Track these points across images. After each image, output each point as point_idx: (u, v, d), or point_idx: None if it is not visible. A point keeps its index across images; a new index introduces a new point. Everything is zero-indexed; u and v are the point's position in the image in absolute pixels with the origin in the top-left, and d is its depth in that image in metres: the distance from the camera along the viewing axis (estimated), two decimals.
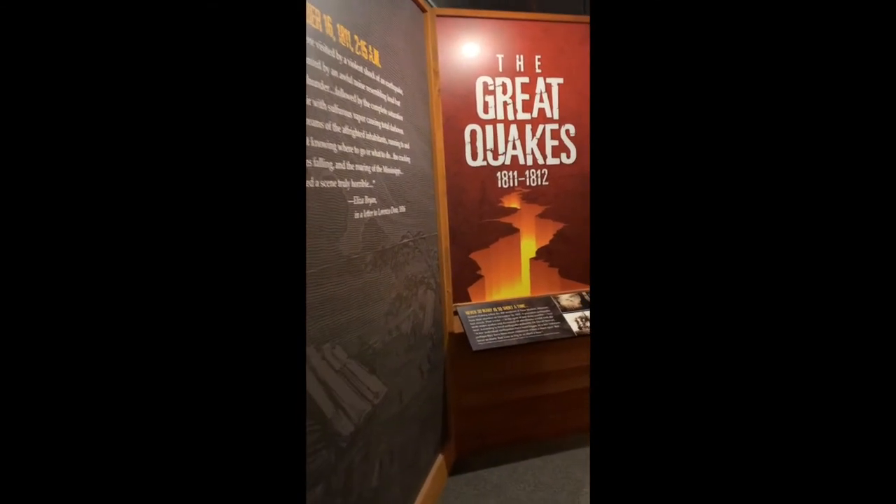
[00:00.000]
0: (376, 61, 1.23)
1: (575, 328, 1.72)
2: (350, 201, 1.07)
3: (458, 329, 1.74)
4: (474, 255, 1.82)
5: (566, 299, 1.86)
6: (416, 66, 1.54)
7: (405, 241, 1.41)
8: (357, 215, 1.10)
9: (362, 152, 1.13)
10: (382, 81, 1.27)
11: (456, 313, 1.77)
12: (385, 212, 1.26)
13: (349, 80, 1.08)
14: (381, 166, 1.24)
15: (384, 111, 1.27)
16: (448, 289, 1.77)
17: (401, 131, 1.39)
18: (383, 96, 1.27)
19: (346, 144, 1.06)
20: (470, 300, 1.83)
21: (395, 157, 1.35)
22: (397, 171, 1.36)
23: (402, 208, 1.39)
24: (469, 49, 1.73)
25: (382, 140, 1.26)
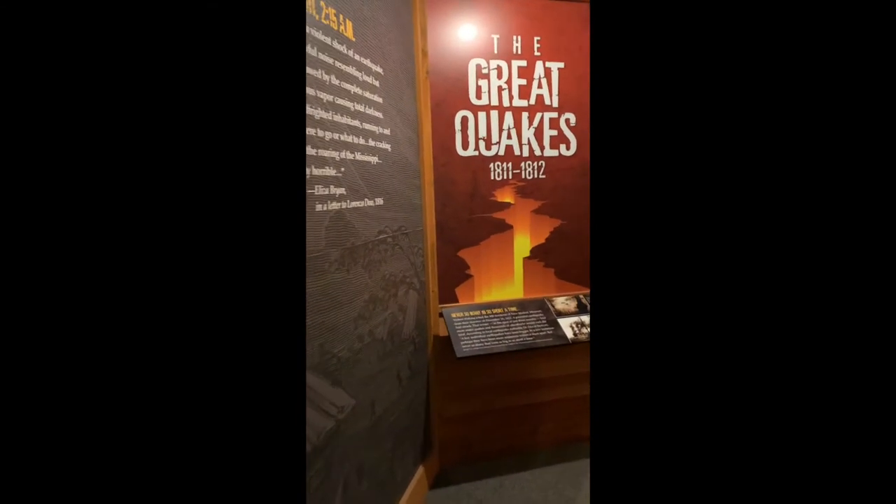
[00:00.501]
0: (349, 34, 1.09)
1: (569, 334, 1.59)
2: (310, 191, 0.94)
3: (443, 332, 1.61)
4: (463, 253, 1.69)
5: (561, 302, 1.72)
6: (401, 44, 1.40)
7: (382, 236, 1.27)
8: (319, 207, 0.97)
9: (328, 136, 1.00)
10: (357, 57, 1.13)
11: (441, 315, 1.64)
12: (356, 204, 1.12)
13: (312, 52, 0.94)
14: (352, 152, 1.10)
15: (358, 91, 1.13)
16: (434, 289, 1.64)
17: (379, 115, 1.25)
18: (357, 74, 1.13)
19: (306, 126, 0.92)
20: (458, 301, 1.70)
21: (372, 143, 1.21)
22: (374, 159, 1.22)
23: (380, 200, 1.25)
24: (462, 28, 1.59)
25: (355, 123, 1.12)
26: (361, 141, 1.15)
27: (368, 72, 1.19)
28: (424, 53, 1.53)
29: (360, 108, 1.14)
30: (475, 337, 1.53)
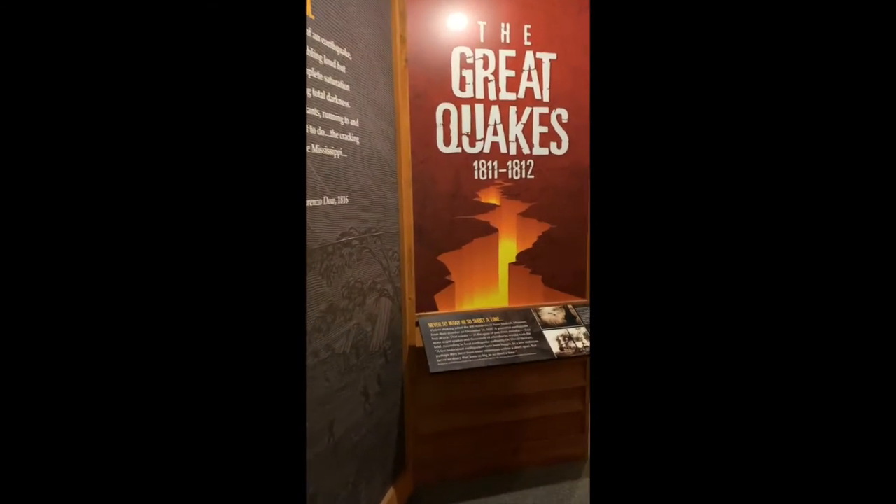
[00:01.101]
0: (307, 10, 0.96)
1: (555, 349, 1.46)
2: None
3: (420, 342, 1.49)
4: (444, 258, 1.56)
5: (548, 313, 1.60)
6: (376, 27, 1.27)
7: (346, 239, 1.15)
8: None
9: None
10: (316, 37, 1.00)
11: (418, 325, 1.51)
12: (312, 202, 1.00)
13: None
14: (308, 144, 0.98)
15: (317, 75, 1.01)
16: (410, 296, 1.52)
17: (345, 104, 1.13)
18: (316, 57, 1.00)
19: None
20: (437, 309, 1.57)
21: (335, 134, 1.08)
22: (337, 153, 1.10)
23: (344, 199, 1.13)
24: (445, 13, 1.46)
25: (313, 112, 0.99)
26: (321, 132, 1.02)
27: (332, 55, 1.06)
28: (403, 40, 1.40)
29: (319, 94, 1.01)
30: (452, 350, 1.41)
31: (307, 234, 0.98)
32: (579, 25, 1.56)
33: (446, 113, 1.50)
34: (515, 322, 1.54)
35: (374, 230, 1.30)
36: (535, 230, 1.64)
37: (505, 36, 1.52)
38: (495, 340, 1.46)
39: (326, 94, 1.04)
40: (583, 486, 1.61)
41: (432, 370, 1.34)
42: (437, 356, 1.38)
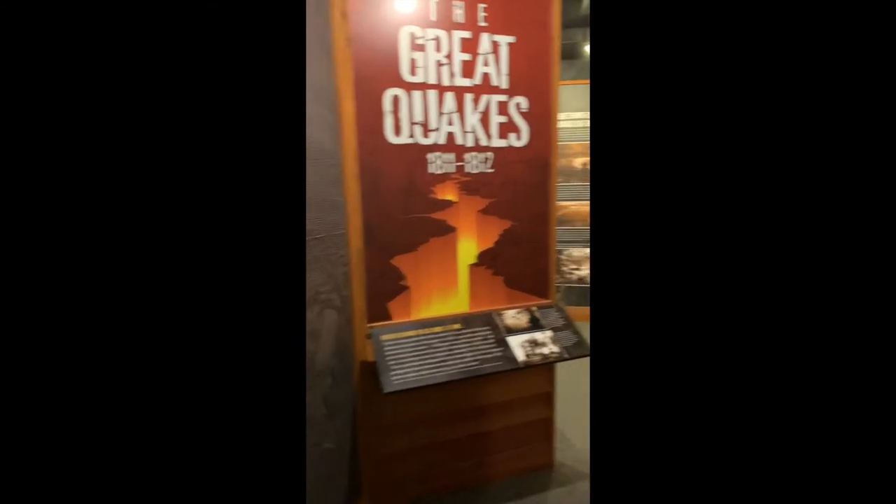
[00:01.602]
0: None
1: (520, 356, 1.35)
2: None
3: (372, 356, 1.33)
4: (397, 261, 1.41)
5: (512, 317, 1.48)
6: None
7: None
8: None
9: None
10: None
11: (370, 337, 1.35)
12: None
13: None
14: None
15: None
16: (360, 305, 1.35)
17: None
18: None
19: None
20: (390, 318, 1.42)
21: None
22: None
23: None
24: None
25: None
26: None
27: None
28: (343, 15, 1.23)
29: None
30: (409, 365, 1.26)
31: None
32: (539, 6, 1.45)
33: (395, 99, 1.34)
34: (477, 329, 1.42)
35: (314, 232, 1.12)
36: (496, 228, 1.52)
37: (458, 15, 1.37)
38: (456, 350, 1.33)
39: None
40: (552, 499, 1.53)
41: (386, 390, 1.19)
42: (391, 373, 1.23)
